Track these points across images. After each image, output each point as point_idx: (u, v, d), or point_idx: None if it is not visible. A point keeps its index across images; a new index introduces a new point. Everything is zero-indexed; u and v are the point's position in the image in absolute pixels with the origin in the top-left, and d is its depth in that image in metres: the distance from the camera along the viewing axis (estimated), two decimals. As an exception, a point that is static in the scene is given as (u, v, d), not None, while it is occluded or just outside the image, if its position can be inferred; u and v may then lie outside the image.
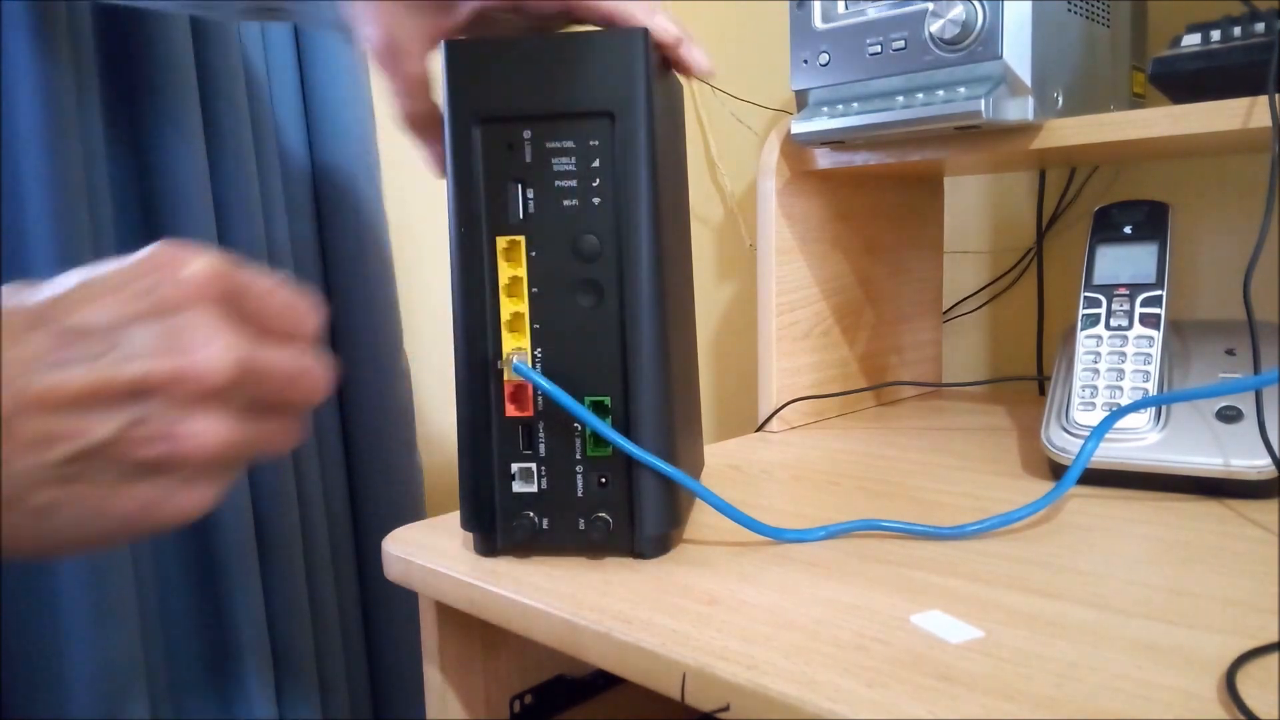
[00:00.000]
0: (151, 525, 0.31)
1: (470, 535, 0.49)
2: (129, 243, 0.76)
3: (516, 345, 0.46)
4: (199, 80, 0.77)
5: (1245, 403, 0.54)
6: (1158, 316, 0.57)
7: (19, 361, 0.29)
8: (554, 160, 0.45)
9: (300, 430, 0.35)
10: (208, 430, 0.31)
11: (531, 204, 0.46)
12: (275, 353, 0.33)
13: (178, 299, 0.30)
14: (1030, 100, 0.61)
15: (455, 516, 0.54)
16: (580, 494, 0.47)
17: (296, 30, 0.85)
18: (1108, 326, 0.59)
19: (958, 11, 0.60)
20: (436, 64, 0.48)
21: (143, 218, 0.77)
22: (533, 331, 0.46)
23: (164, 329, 0.30)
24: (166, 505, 0.31)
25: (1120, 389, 0.57)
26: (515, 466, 0.47)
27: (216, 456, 0.31)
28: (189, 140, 0.75)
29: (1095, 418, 0.56)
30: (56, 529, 0.30)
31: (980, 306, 0.98)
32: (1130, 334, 0.58)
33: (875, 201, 0.85)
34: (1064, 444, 0.57)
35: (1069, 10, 0.64)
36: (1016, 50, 0.60)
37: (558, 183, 0.45)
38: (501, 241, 0.46)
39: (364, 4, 0.48)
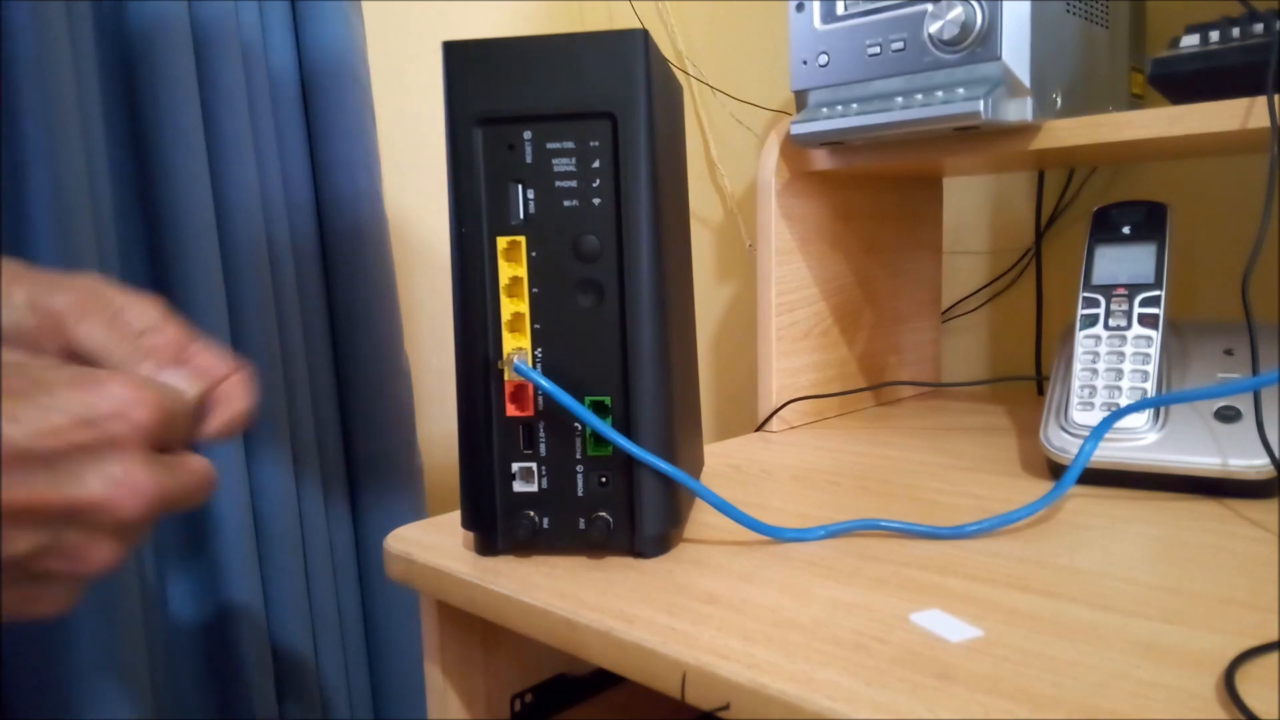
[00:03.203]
0: (23, 618, 0.34)
1: (471, 535, 0.49)
2: (129, 243, 0.76)
3: (517, 345, 0.46)
4: (199, 80, 0.77)
5: (1244, 403, 0.54)
6: (1156, 316, 0.57)
7: None
8: (554, 160, 0.45)
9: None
10: (110, 555, 0.34)
11: (532, 204, 0.46)
12: (190, 469, 0.36)
13: (124, 438, 0.33)
14: (1029, 101, 0.61)
15: (456, 516, 0.54)
16: (580, 494, 0.47)
17: (297, 30, 0.85)
18: (1106, 327, 0.59)
19: (957, 12, 0.60)
20: None
21: (143, 218, 0.77)
22: (533, 331, 0.46)
23: (106, 461, 0.33)
24: (27, 606, 0.34)
25: (1119, 389, 0.57)
26: (516, 466, 0.47)
27: (101, 574, 0.34)
28: (189, 141, 0.75)
29: (1094, 418, 0.57)
30: None
31: (979, 307, 0.98)
32: (1129, 334, 0.58)
33: (875, 202, 0.85)
34: (1063, 444, 0.57)
35: (1068, 11, 0.64)
36: (1015, 51, 0.60)
37: (558, 183, 0.45)
38: (502, 242, 0.46)
39: None
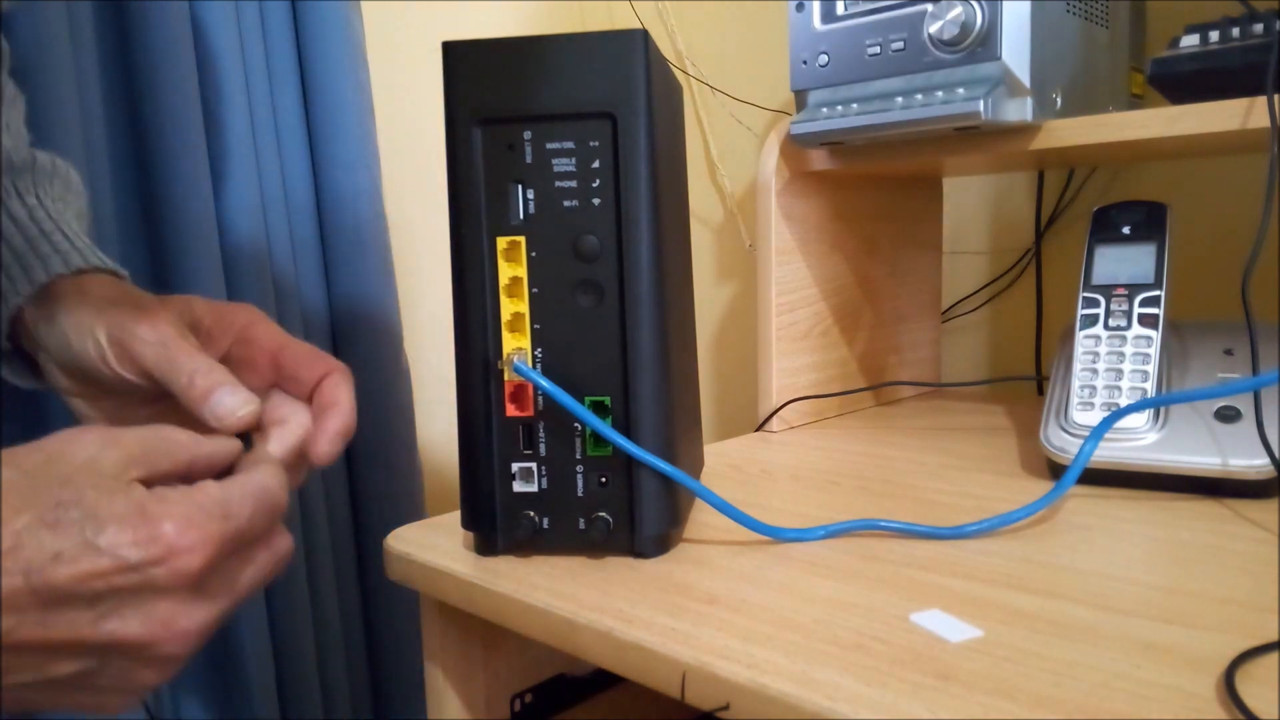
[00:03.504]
0: (85, 712, 0.36)
1: (471, 535, 0.49)
2: (130, 242, 0.76)
3: (517, 345, 0.46)
4: (199, 79, 0.77)
5: (1244, 403, 0.54)
6: (1156, 316, 0.57)
7: (9, 610, 0.33)
8: (554, 161, 0.45)
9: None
10: (149, 682, 0.36)
11: (532, 204, 0.46)
12: (243, 578, 0.38)
13: (166, 584, 0.34)
14: (1029, 101, 0.61)
15: (456, 516, 0.54)
16: (580, 494, 0.47)
17: (297, 29, 0.85)
18: (1106, 327, 0.59)
19: (957, 12, 0.60)
20: None
21: (143, 217, 0.77)
22: (533, 331, 0.46)
23: (146, 605, 0.34)
24: (102, 706, 0.36)
25: (1119, 389, 0.57)
26: (515, 466, 0.47)
27: (146, 693, 0.37)
28: (189, 140, 0.75)
29: (1094, 417, 0.57)
30: (22, 701, 0.35)
31: (979, 307, 0.98)
32: (1129, 334, 0.58)
33: (875, 202, 0.85)
34: (1063, 444, 0.57)
35: (1068, 11, 0.64)
36: (1015, 51, 0.60)
37: (558, 183, 0.45)
38: (502, 242, 0.46)
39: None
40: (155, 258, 0.77)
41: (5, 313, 0.49)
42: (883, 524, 0.49)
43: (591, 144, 0.45)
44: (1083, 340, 0.59)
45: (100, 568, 0.33)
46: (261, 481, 0.38)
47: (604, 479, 0.47)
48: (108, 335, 0.46)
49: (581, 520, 0.47)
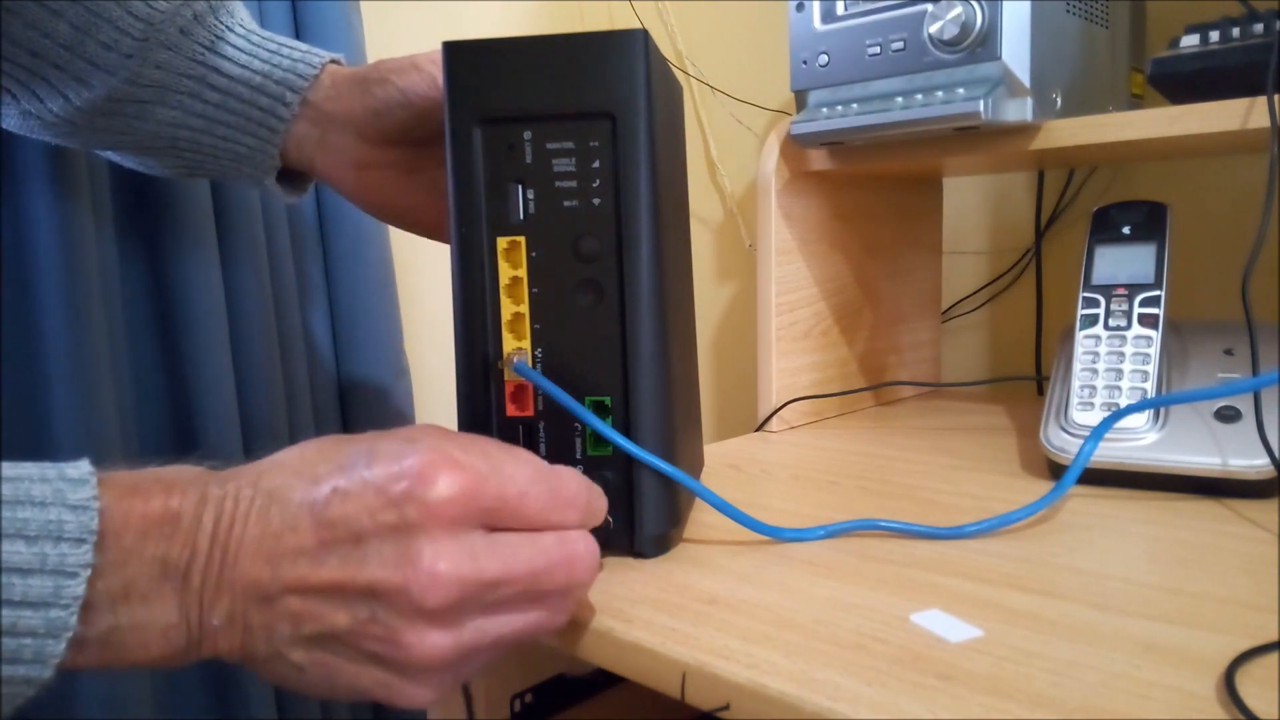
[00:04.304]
0: (383, 701, 0.35)
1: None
2: (129, 243, 0.76)
3: (517, 345, 0.46)
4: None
5: (1244, 403, 0.54)
6: (1156, 316, 0.57)
7: (292, 548, 0.34)
8: (554, 161, 0.45)
9: (568, 610, 0.38)
10: (424, 642, 0.34)
11: (532, 204, 0.46)
12: (519, 554, 0.36)
13: (419, 519, 0.34)
14: (1029, 101, 0.61)
15: (455, 516, 0.54)
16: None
17: (297, 29, 0.85)
18: (1106, 327, 0.59)
19: (957, 12, 0.60)
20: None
21: (142, 217, 0.77)
22: (533, 332, 0.46)
23: (400, 545, 0.34)
24: (393, 690, 0.35)
25: (1119, 389, 0.57)
26: (515, 466, 0.47)
27: (433, 664, 0.34)
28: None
29: (1094, 417, 0.57)
30: (310, 682, 0.35)
31: (979, 307, 0.98)
32: (1129, 334, 0.58)
33: (874, 202, 0.85)
34: (1063, 444, 0.57)
35: (1068, 11, 0.64)
36: (1015, 51, 0.60)
37: (558, 183, 0.45)
38: (502, 242, 0.46)
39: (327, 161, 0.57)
40: (155, 257, 0.77)
41: (286, 113, 0.55)
42: (883, 524, 0.49)
43: (591, 144, 0.45)
44: (1083, 340, 0.59)
45: (367, 503, 0.34)
46: (544, 463, 0.38)
47: (604, 479, 0.47)
48: (433, 61, 0.54)
49: (581, 520, 0.47)
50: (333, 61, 0.57)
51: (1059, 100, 0.64)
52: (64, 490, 0.32)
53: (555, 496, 0.37)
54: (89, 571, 0.31)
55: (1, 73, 0.52)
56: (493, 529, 0.36)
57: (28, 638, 0.30)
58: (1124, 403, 0.56)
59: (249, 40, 0.56)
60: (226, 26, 0.56)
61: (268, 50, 0.56)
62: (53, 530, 0.31)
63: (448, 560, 0.34)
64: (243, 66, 0.55)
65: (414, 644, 0.34)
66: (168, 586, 0.33)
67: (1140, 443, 0.55)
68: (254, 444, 0.81)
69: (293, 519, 0.34)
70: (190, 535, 0.33)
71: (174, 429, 0.78)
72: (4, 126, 0.57)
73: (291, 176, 0.60)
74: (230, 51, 0.55)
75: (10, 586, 0.30)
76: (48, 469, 0.32)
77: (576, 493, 0.38)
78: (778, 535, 0.49)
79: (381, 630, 0.34)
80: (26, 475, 0.32)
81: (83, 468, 0.33)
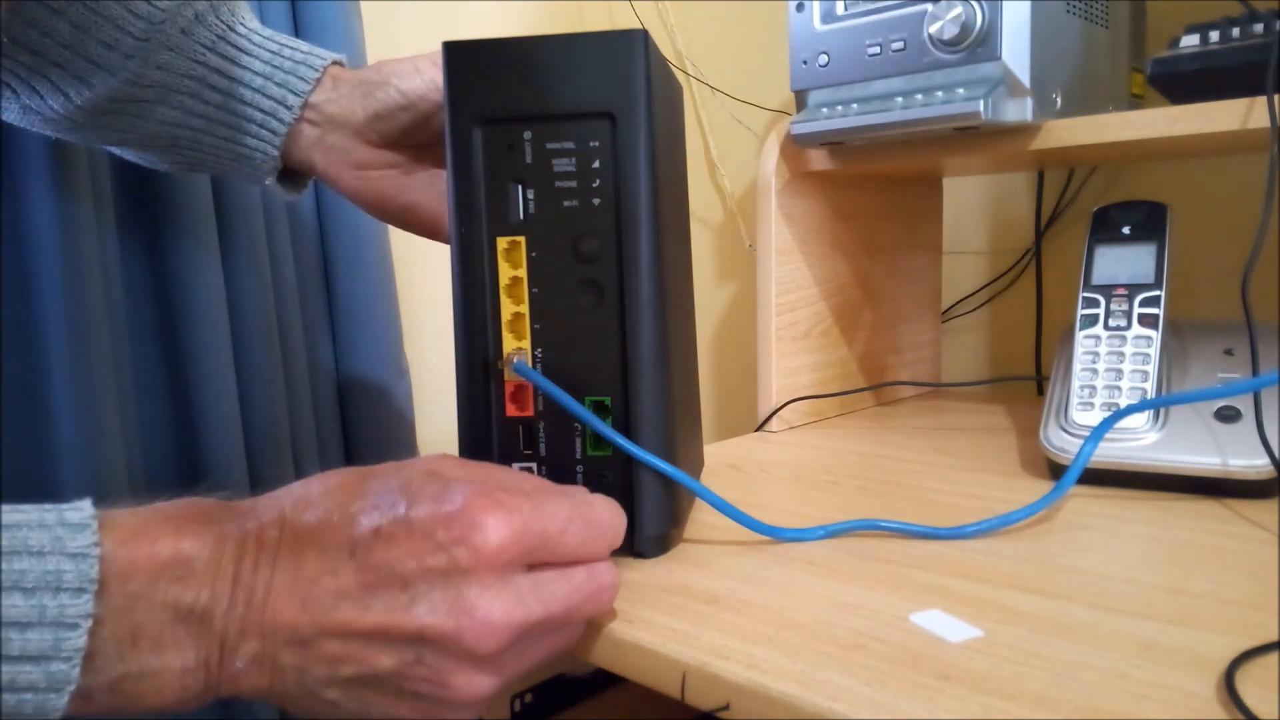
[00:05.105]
0: None
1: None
2: (130, 243, 0.76)
3: (517, 345, 0.46)
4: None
5: (1244, 403, 0.54)
6: (1156, 317, 0.57)
7: (332, 591, 0.33)
8: (554, 161, 0.45)
9: (583, 631, 0.40)
10: (471, 685, 0.34)
11: (532, 205, 0.46)
12: (556, 592, 0.36)
13: (470, 565, 0.34)
14: (1029, 101, 0.61)
15: (455, 516, 0.54)
16: None
17: (297, 29, 0.85)
18: (1106, 327, 0.59)
19: (957, 12, 0.60)
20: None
21: (143, 217, 0.77)
22: (533, 332, 0.46)
23: (451, 591, 0.33)
24: (428, 715, 0.35)
25: (1119, 389, 0.57)
26: (516, 466, 0.47)
27: (476, 702, 0.35)
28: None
29: (1094, 418, 0.57)
30: (342, 713, 0.35)
31: (979, 307, 0.98)
32: (1129, 334, 0.58)
33: (874, 202, 0.85)
34: (1063, 444, 0.57)
35: (1068, 11, 0.64)
36: (1015, 51, 0.60)
37: (558, 183, 0.45)
38: (502, 242, 0.46)
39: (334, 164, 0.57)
40: (155, 257, 0.77)
41: (288, 116, 0.56)
42: (883, 524, 0.49)
43: (591, 144, 0.45)
44: (1083, 340, 0.59)
45: (413, 546, 0.33)
46: (576, 493, 0.39)
47: (604, 479, 0.47)
48: (433, 63, 0.54)
49: (581, 520, 0.47)
50: (335, 63, 0.57)
51: (1059, 100, 0.64)
52: (63, 538, 0.31)
53: (590, 529, 0.38)
54: (90, 622, 0.30)
55: (2, 69, 0.52)
56: (531, 566, 0.36)
57: (28, 693, 0.30)
58: (1124, 403, 0.56)
59: (251, 41, 0.56)
60: (228, 26, 0.55)
61: (269, 51, 0.56)
62: (51, 581, 0.30)
63: (501, 608, 0.34)
64: (244, 68, 0.55)
65: (461, 686, 0.34)
66: (182, 630, 0.32)
67: (1140, 443, 0.55)
68: (254, 444, 0.81)
69: (331, 562, 0.33)
70: (208, 578, 0.33)
71: (174, 429, 0.78)
72: (5, 119, 0.57)
73: (291, 175, 0.60)
74: (231, 52, 0.55)
75: (9, 642, 0.29)
76: (47, 513, 0.31)
77: (608, 523, 0.39)
78: (778, 535, 0.49)
79: (428, 673, 0.33)
80: (25, 522, 0.31)
81: (84, 510, 0.32)
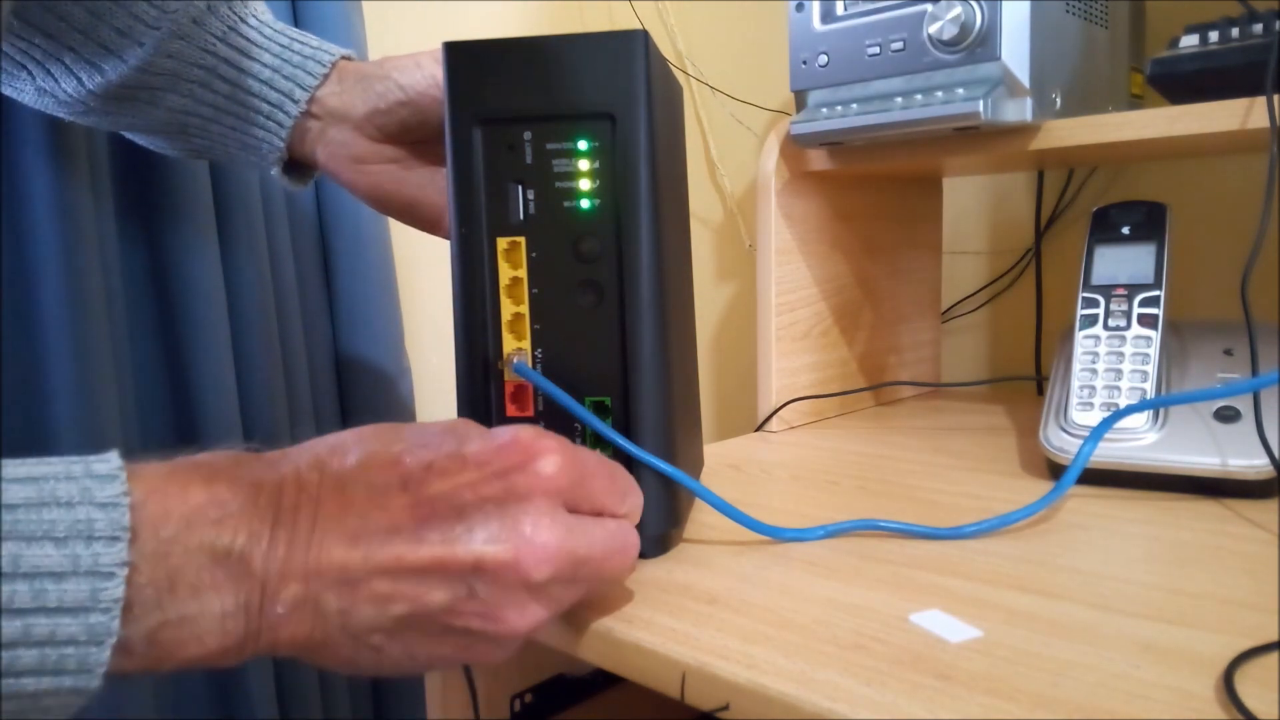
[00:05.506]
0: (457, 665, 0.37)
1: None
2: (130, 243, 0.76)
3: (517, 346, 0.46)
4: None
5: (1243, 403, 0.54)
6: (1156, 317, 0.57)
7: (384, 527, 0.33)
8: (554, 161, 0.45)
9: (600, 588, 0.40)
10: (524, 617, 0.34)
11: (532, 205, 0.46)
12: (595, 536, 0.36)
13: (526, 491, 0.34)
14: (1029, 101, 0.61)
15: (455, 516, 0.54)
16: None
17: (298, 27, 0.85)
18: (1106, 327, 0.59)
19: (956, 13, 0.60)
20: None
21: (143, 217, 0.77)
22: (533, 332, 0.46)
23: (507, 518, 0.34)
24: (472, 654, 0.35)
25: (1118, 389, 0.57)
26: (515, 466, 0.47)
27: (524, 634, 0.35)
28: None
29: (1093, 418, 0.57)
30: (386, 662, 0.34)
31: (979, 307, 0.98)
32: (1128, 334, 0.58)
33: (874, 202, 0.85)
34: (1062, 444, 0.57)
35: (1067, 11, 0.64)
36: (1015, 51, 0.60)
37: (558, 183, 0.45)
38: (502, 243, 0.46)
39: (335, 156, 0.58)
40: (155, 257, 0.77)
41: (294, 109, 0.56)
42: (882, 524, 0.49)
43: (591, 144, 0.45)
44: (1082, 340, 0.59)
45: (468, 478, 0.33)
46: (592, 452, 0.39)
47: (604, 479, 0.47)
48: (435, 59, 0.54)
49: (581, 520, 0.47)
50: (344, 58, 0.58)
51: (1059, 100, 0.64)
52: (91, 488, 0.30)
53: (614, 482, 0.39)
54: (126, 570, 0.29)
55: (18, 51, 0.53)
56: (571, 510, 0.36)
57: (69, 646, 0.29)
58: (1123, 403, 0.56)
59: (261, 34, 0.57)
60: (240, 18, 0.56)
61: (279, 45, 0.57)
62: (83, 530, 0.29)
63: (554, 534, 0.34)
64: (253, 59, 0.56)
65: (514, 618, 0.34)
66: (221, 573, 0.31)
67: (1140, 443, 0.55)
68: (255, 442, 0.81)
69: (380, 497, 0.33)
70: (245, 520, 0.32)
71: (174, 427, 0.78)
72: (22, 100, 0.57)
73: (298, 167, 0.60)
74: (242, 44, 0.56)
75: (44, 593, 0.28)
76: (74, 465, 0.31)
77: (629, 484, 0.40)
78: (777, 535, 0.49)
79: (480, 607, 0.33)
80: (51, 474, 0.30)
81: (112, 461, 0.31)
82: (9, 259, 0.67)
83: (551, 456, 0.35)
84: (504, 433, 0.35)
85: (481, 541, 0.33)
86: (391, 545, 0.33)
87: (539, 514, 0.34)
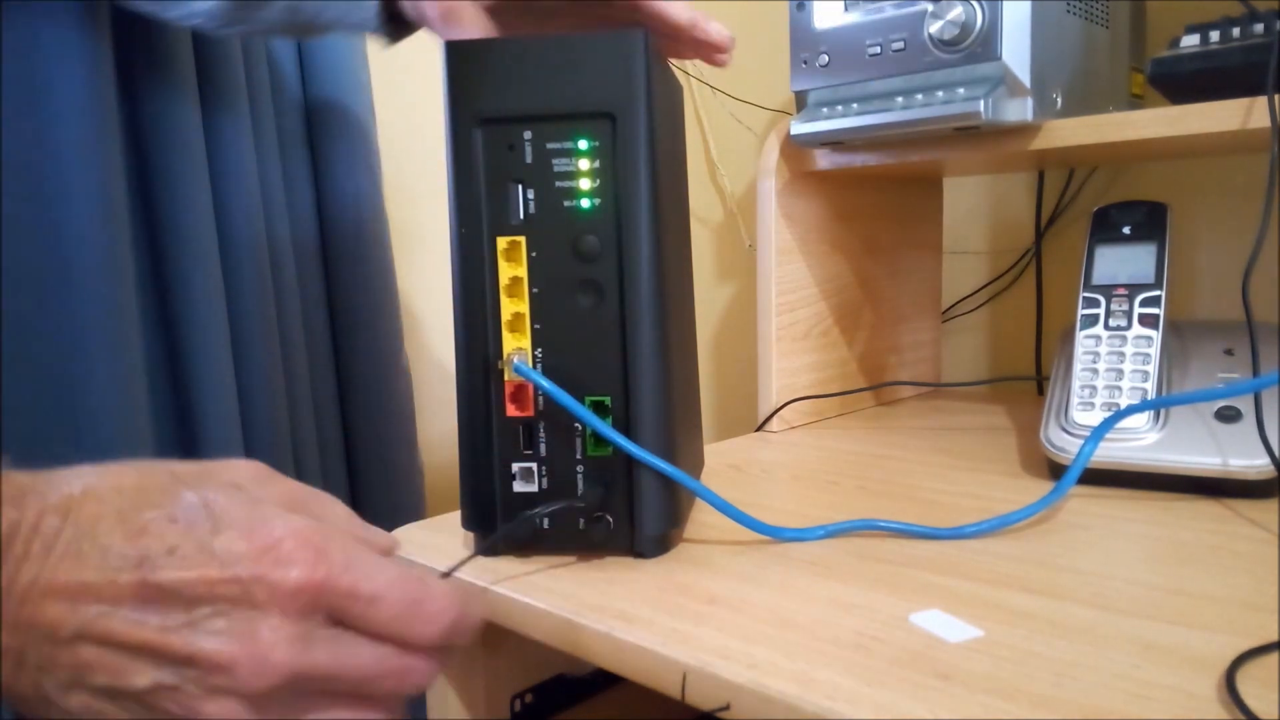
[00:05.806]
0: None
1: (471, 535, 0.49)
2: (130, 243, 0.76)
3: (517, 345, 0.46)
4: (199, 81, 0.77)
5: (1244, 403, 0.54)
6: (1156, 317, 0.57)
7: (107, 599, 0.31)
8: (554, 161, 0.45)
9: (386, 711, 0.36)
10: (223, 715, 0.32)
11: (532, 205, 0.46)
12: (360, 654, 0.34)
13: (265, 599, 0.32)
14: (1029, 101, 0.61)
15: (456, 516, 0.54)
16: (580, 494, 0.47)
17: (297, 30, 0.85)
18: (1106, 327, 0.59)
19: (957, 13, 0.60)
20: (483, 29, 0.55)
21: (143, 218, 0.77)
22: (533, 331, 0.46)
23: (238, 621, 0.32)
24: None
25: (1119, 389, 0.57)
26: (516, 466, 0.47)
27: None
28: (189, 142, 0.75)
29: (1094, 418, 0.57)
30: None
31: (979, 307, 0.98)
32: (1129, 334, 0.58)
33: (875, 202, 0.85)
34: (1063, 444, 0.57)
35: (1068, 11, 0.64)
36: (1015, 51, 0.60)
37: (558, 183, 0.45)
38: (502, 242, 0.46)
39: None
40: (155, 258, 0.77)
41: None
42: (882, 524, 0.49)
43: (591, 144, 0.45)
44: (1083, 340, 0.59)
45: (208, 574, 0.32)
46: (414, 574, 0.36)
47: (604, 479, 0.47)
48: None
49: (582, 520, 0.47)
50: None
51: (1059, 100, 0.64)
52: None
53: (413, 607, 0.35)
54: None
55: None
56: (337, 623, 0.34)
57: None
58: (1124, 403, 0.56)
59: None
60: None
61: None
62: None
63: (284, 648, 0.32)
64: None
65: (213, 714, 0.32)
66: None
67: (1140, 443, 0.55)
68: (255, 443, 0.81)
69: (114, 569, 0.32)
70: None
71: (174, 427, 0.78)
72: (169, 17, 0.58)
73: (396, 22, 0.60)
74: None
75: None
76: None
77: (442, 610, 0.36)
78: (778, 535, 0.49)
79: (184, 699, 0.32)
80: None
81: None
82: (12, 268, 0.67)
83: (300, 569, 0.32)
84: (259, 530, 0.33)
85: (201, 638, 0.32)
86: (109, 619, 0.31)
87: (276, 625, 0.32)
